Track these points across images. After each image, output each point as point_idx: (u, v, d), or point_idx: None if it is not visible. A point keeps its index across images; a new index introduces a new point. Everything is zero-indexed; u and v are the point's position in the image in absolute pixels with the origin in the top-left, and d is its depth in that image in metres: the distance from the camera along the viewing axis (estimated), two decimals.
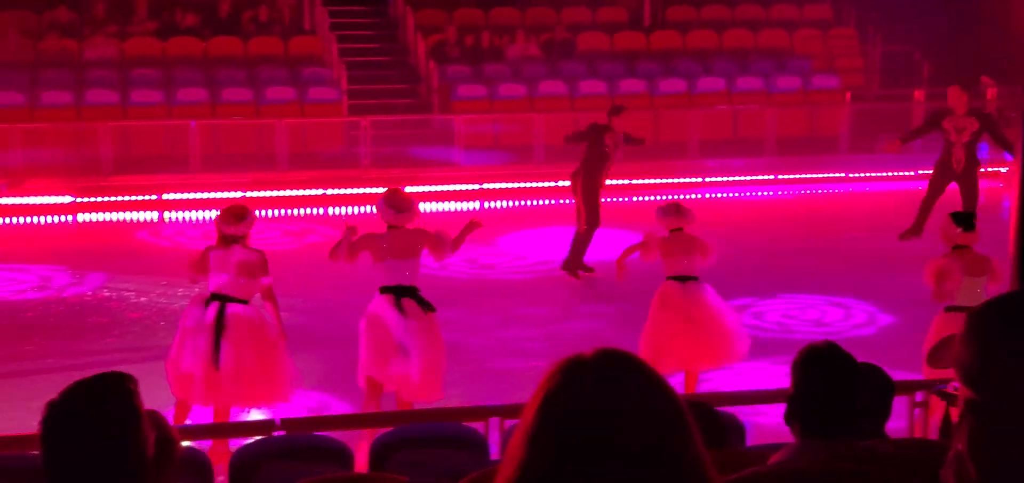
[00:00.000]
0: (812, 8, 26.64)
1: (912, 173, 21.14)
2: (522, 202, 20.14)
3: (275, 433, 6.57)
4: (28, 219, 18.67)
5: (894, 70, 25.73)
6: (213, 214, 18.68)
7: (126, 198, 19.09)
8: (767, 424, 8.67)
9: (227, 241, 8.96)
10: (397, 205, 9.10)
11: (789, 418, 3.96)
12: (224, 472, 6.08)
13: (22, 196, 18.83)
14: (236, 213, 9.09)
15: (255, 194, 19.55)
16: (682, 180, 21.02)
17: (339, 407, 10.10)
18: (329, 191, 19.87)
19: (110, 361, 11.09)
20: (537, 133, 21.90)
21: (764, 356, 10.94)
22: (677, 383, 9.23)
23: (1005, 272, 9.08)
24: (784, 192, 21.12)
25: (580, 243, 14.42)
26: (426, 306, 8.99)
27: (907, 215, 16.31)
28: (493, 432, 6.76)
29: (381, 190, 19.65)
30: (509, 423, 6.69)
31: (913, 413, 7.61)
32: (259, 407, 8.91)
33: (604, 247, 14.53)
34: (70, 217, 18.83)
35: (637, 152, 21.30)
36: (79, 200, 19.04)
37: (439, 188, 20.15)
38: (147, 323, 12.79)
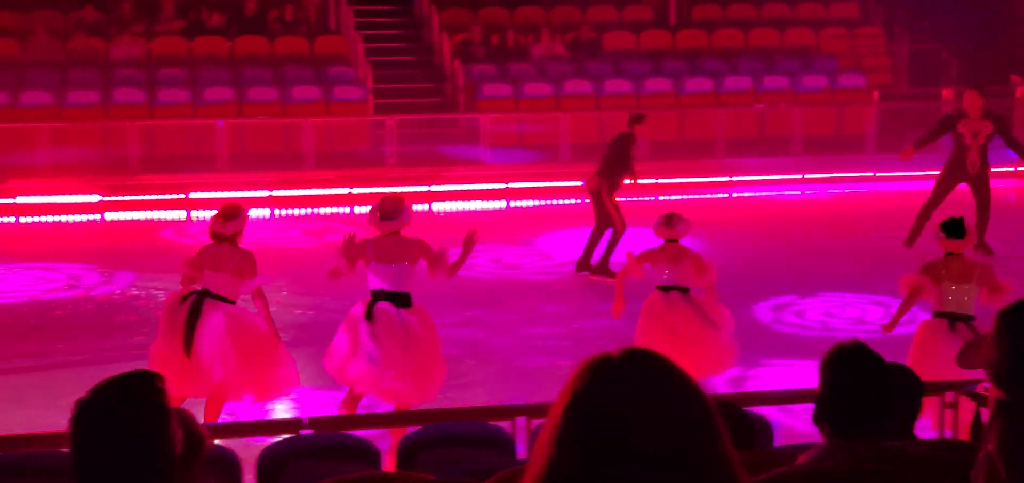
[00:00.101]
0: (839, 7, 26.53)
1: (940, 172, 21.04)
2: (547, 201, 20.13)
3: (303, 432, 6.58)
4: (56, 218, 18.77)
5: (921, 69, 25.61)
6: (253, 213, 18.95)
7: (153, 197, 19.16)
8: (798, 427, 8.64)
9: (218, 240, 9.08)
10: (383, 211, 9.11)
11: (817, 418, 3.95)
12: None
13: (50, 195, 18.93)
14: (227, 212, 9.20)
15: (281, 193, 19.62)
16: (708, 179, 20.97)
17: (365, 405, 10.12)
18: (355, 190, 19.90)
19: (138, 359, 11.13)
20: (563, 132, 21.89)
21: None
22: None
23: (1009, 281, 9.07)
24: (811, 192, 21.05)
25: (611, 245, 14.41)
26: (402, 305, 8.87)
27: (937, 214, 16.24)
28: (520, 431, 6.76)
29: (406, 189, 19.77)
30: (536, 422, 6.68)
31: (943, 414, 7.56)
32: (241, 400, 8.99)
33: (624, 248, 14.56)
34: (98, 216, 18.93)
35: (663, 151, 21.33)
36: (106, 199, 19.13)
37: (464, 187, 20.16)
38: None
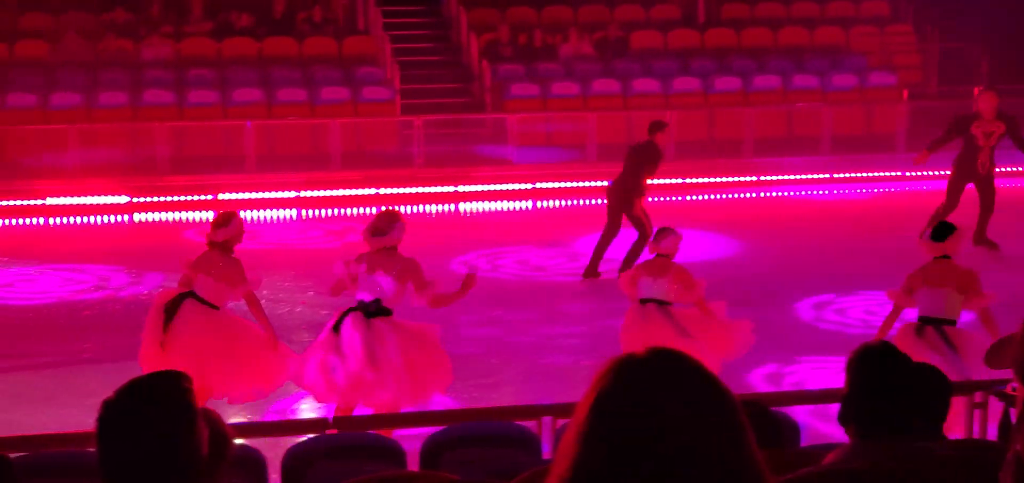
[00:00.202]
0: (869, 5, 26.42)
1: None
2: (575, 201, 20.11)
3: (328, 431, 6.59)
4: (85, 219, 18.87)
5: (952, 67, 25.47)
6: (268, 214, 19.07)
7: (182, 198, 19.24)
8: (826, 430, 8.60)
9: (211, 246, 9.31)
10: (375, 228, 9.16)
11: (844, 418, 3.92)
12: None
13: (79, 196, 19.03)
14: (219, 219, 9.46)
15: (308, 194, 19.67)
16: (736, 179, 20.91)
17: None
18: (382, 190, 19.94)
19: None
20: (590, 132, 21.86)
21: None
22: None
23: (992, 293, 9.00)
24: (840, 191, 20.96)
25: (636, 250, 14.36)
26: (371, 315, 8.87)
27: (966, 214, 16.19)
28: (545, 431, 6.75)
29: (433, 190, 19.82)
30: (561, 422, 6.67)
31: (972, 414, 7.50)
32: (221, 399, 9.10)
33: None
34: (126, 217, 19.01)
35: (692, 151, 21.28)
36: (135, 200, 19.21)
37: (492, 187, 20.16)
38: None
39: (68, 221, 18.78)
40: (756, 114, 22.72)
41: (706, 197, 20.13)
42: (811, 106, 23.30)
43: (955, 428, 7.23)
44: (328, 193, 19.81)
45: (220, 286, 9.20)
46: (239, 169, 20.37)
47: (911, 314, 9.24)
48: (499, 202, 19.95)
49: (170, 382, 2.97)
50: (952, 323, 8.90)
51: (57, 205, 18.94)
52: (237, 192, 19.56)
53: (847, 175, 21.34)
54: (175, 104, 22.00)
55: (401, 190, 20.03)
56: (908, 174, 21.26)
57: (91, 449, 6.01)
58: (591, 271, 14.46)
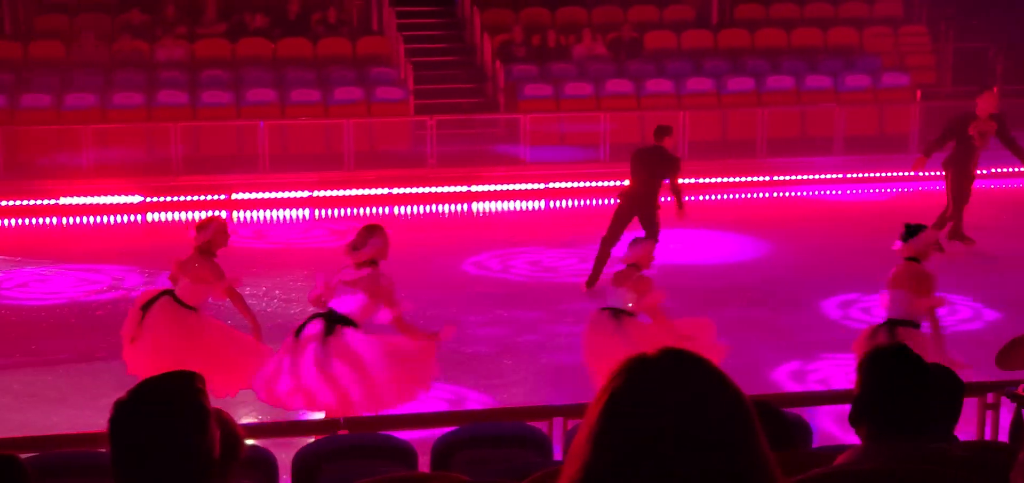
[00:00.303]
0: (883, 5, 26.36)
1: (983, 172, 20.86)
2: (588, 201, 20.10)
3: (339, 432, 6.60)
4: (99, 219, 18.91)
5: (966, 67, 25.39)
6: (282, 214, 19.10)
7: (196, 198, 19.27)
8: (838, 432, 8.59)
9: (195, 249, 9.67)
10: (351, 243, 9.25)
11: (855, 419, 3.91)
12: None
13: (94, 196, 19.08)
14: (200, 223, 9.89)
15: (322, 193, 19.70)
16: (750, 179, 20.88)
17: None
18: (395, 190, 19.96)
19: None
20: (603, 132, 21.85)
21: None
22: None
23: (937, 299, 9.02)
24: (853, 191, 20.92)
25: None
26: (334, 323, 8.90)
27: (983, 213, 16.29)
28: (557, 431, 6.75)
29: (446, 190, 19.82)
30: (573, 423, 6.67)
31: (983, 415, 7.48)
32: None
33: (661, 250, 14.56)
34: (140, 217, 19.06)
35: (705, 151, 21.26)
36: (149, 200, 19.26)
37: (505, 187, 20.16)
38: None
39: (82, 221, 18.83)
40: (769, 114, 22.67)
41: (719, 197, 20.11)
42: (824, 107, 23.25)
43: (966, 429, 7.22)
44: (341, 193, 19.84)
45: (196, 287, 9.55)
46: (252, 169, 20.40)
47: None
48: (512, 202, 19.95)
49: (183, 383, 2.97)
50: (912, 324, 8.87)
51: (71, 205, 18.99)
52: (250, 192, 19.60)
53: (860, 175, 21.29)
54: (189, 104, 22.05)
55: (414, 190, 20.04)
56: (921, 174, 21.23)
57: (103, 449, 6.03)
58: (593, 280, 14.29)
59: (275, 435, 7.63)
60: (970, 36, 25.61)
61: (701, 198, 19.52)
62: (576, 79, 23.53)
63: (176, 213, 19.11)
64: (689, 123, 21.88)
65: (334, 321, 8.89)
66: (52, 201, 18.99)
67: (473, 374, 11.18)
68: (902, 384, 3.89)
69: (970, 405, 7.17)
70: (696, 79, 23.77)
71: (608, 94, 23.25)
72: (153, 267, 15.48)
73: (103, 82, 22.19)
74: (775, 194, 20.64)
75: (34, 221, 18.75)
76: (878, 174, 21.25)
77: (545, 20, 25.27)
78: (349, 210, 19.35)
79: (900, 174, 21.30)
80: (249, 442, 4.46)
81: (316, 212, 19.31)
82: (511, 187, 20.18)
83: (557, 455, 6.37)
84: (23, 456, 4.42)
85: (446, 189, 20.09)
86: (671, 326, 9.77)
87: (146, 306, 9.62)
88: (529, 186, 20.25)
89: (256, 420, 9.34)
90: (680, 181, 14.26)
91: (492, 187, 20.14)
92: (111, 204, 19.08)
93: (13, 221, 18.66)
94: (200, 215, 18.89)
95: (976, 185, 16.20)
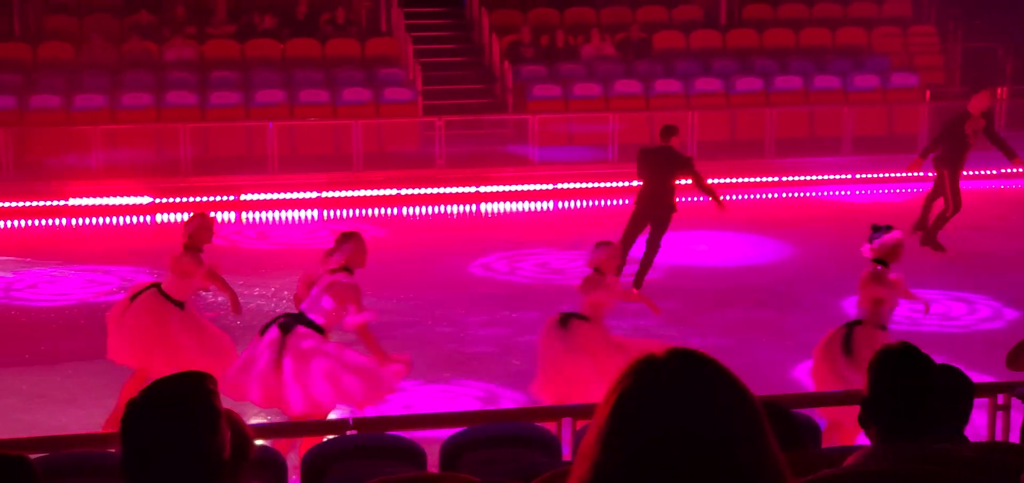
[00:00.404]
0: (891, 5, 26.33)
1: (993, 172, 20.85)
2: (596, 202, 20.09)
3: (348, 432, 6.60)
4: (108, 220, 18.94)
5: (975, 67, 25.35)
6: (290, 214, 19.13)
7: (204, 199, 19.28)
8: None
9: (182, 245, 10.02)
10: (327, 250, 9.26)
11: (864, 420, 3.90)
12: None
13: (103, 197, 19.11)
14: (187, 220, 10.23)
15: (331, 194, 19.71)
16: (758, 179, 20.86)
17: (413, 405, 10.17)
18: (404, 191, 19.97)
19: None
20: (612, 133, 21.85)
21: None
22: None
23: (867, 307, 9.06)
24: (862, 192, 20.90)
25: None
26: (293, 323, 8.95)
27: (994, 213, 16.31)
28: (566, 432, 6.74)
29: (454, 190, 19.81)
30: (581, 423, 6.67)
31: (994, 416, 7.47)
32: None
33: (668, 251, 14.57)
34: (149, 218, 19.08)
35: (713, 151, 21.24)
36: (158, 201, 19.28)
37: (513, 188, 20.17)
38: (223, 323, 12.91)
39: (91, 222, 18.86)
40: (778, 115, 22.66)
41: (727, 197, 20.06)
42: (832, 107, 23.22)
43: (976, 430, 7.21)
44: (350, 194, 19.86)
45: (180, 281, 9.85)
46: (261, 170, 20.43)
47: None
48: (520, 203, 19.94)
49: (194, 384, 2.96)
50: (877, 326, 8.85)
51: (81, 206, 19.03)
52: (259, 193, 19.62)
53: (869, 176, 21.26)
54: (198, 105, 22.08)
55: (422, 190, 20.05)
56: (929, 175, 21.20)
57: (112, 450, 6.04)
58: (639, 280, 14.18)
59: (284, 436, 7.64)
60: (979, 36, 25.57)
61: (709, 199, 19.49)
62: (584, 79, 23.53)
63: (185, 214, 19.04)
64: (698, 123, 21.87)
65: (295, 322, 8.93)
66: (61, 202, 19.02)
67: (477, 374, 11.20)
68: (910, 385, 3.88)
69: (980, 406, 7.17)
70: (704, 79, 23.76)
71: (617, 94, 23.25)
72: (162, 268, 15.45)
73: (112, 83, 22.23)
74: (784, 194, 20.62)
75: (43, 222, 18.78)
76: (887, 174, 21.21)
77: (553, 21, 25.28)
78: (358, 211, 19.37)
79: (909, 174, 21.28)
80: (258, 442, 4.46)
81: (325, 213, 19.33)
82: (519, 188, 20.18)
83: (566, 455, 6.37)
84: (32, 456, 4.43)
85: (454, 190, 20.10)
86: (619, 343, 9.47)
87: (135, 296, 9.96)
88: (537, 187, 20.25)
89: (265, 421, 9.35)
90: (707, 180, 14.21)
91: (500, 188, 20.15)
92: (120, 205, 19.11)
93: (22, 222, 18.69)
94: (213, 216, 18.97)
95: (985, 185, 16.25)
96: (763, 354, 11.65)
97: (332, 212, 19.34)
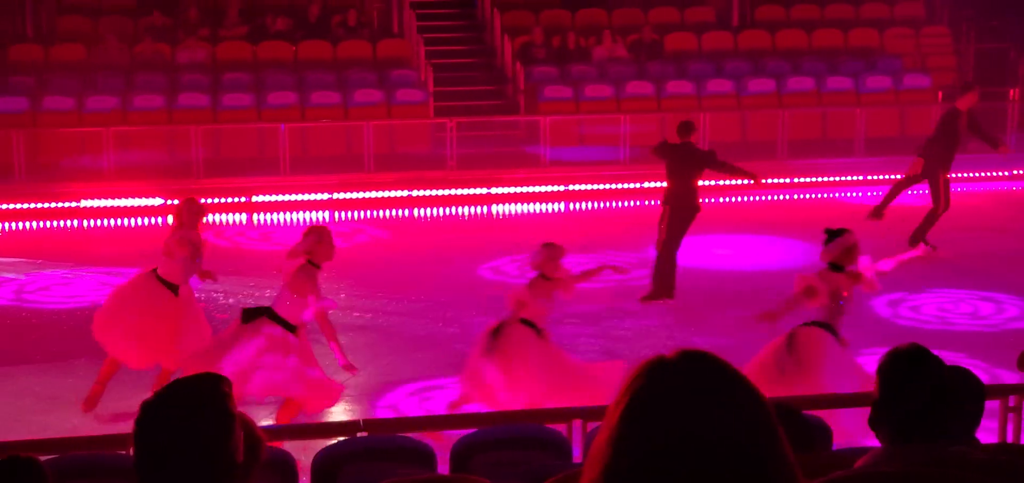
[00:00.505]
0: (904, 6, 26.27)
1: (1007, 173, 20.80)
2: (608, 204, 20.08)
3: (358, 434, 6.60)
4: (120, 222, 18.98)
5: (988, 68, 25.28)
6: (302, 216, 19.16)
7: (216, 200, 19.31)
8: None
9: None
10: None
11: (875, 422, 3.89)
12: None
13: (115, 199, 19.15)
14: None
15: (342, 195, 19.74)
16: (771, 180, 20.80)
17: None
18: (415, 193, 19.98)
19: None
20: (624, 134, 21.83)
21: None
22: None
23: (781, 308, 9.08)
24: (875, 193, 20.84)
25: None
26: (248, 317, 9.19)
27: (1007, 215, 16.31)
28: (576, 434, 6.74)
29: (466, 192, 19.81)
30: (592, 425, 6.66)
31: (1006, 417, 7.44)
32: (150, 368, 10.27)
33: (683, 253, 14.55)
34: (161, 219, 19.11)
35: (725, 152, 21.16)
36: (170, 203, 19.28)
37: (524, 189, 20.17)
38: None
39: (104, 223, 18.90)
40: (790, 116, 22.62)
41: (740, 199, 20.07)
42: (845, 108, 23.17)
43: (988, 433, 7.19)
44: (361, 195, 19.88)
45: (170, 263, 10.19)
46: (273, 171, 20.46)
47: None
48: (532, 204, 19.94)
49: (209, 385, 2.95)
50: (821, 325, 8.87)
51: (93, 208, 19.07)
52: (271, 194, 19.64)
53: (882, 177, 21.18)
54: (210, 107, 22.11)
55: (434, 192, 20.06)
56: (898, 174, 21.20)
57: (123, 451, 6.05)
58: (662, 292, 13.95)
59: (295, 437, 7.64)
60: (992, 37, 25.50)
61: (721, 200, 19.48)
62: (596, 81, 23.52)
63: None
64: (709, 125, 21.83)
65: (259, 314, 9.03)
66: (73, 203, 19.07)
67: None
68: (920, 387, 3.87)
69: (992, 408, 7.15)
70: (716, 81, 23.72)
71: (628, 96, 23.23)
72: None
73: (124, 85, 22.27)
74: (796, 196, 20.58)
75: (55, 224, 18.83)
76: (899, 176, 21.10)
77: (565, 22, 25.27)
78: (369, 212, 19.39)
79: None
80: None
81: (336, 214, 19.34)
82: (531, 189, 20.18)
83: (576, 457, 6.36)
84: (43, 458, 4.44)
85: (466, 191, 20.10)
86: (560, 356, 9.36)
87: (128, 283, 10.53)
88: (549, 189, 20.25)
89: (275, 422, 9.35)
90: (728, 163, 14.15)
91: (512, 189, 20.14)
92: (132, 207, 19.15)
93: (34, 223, 18.75)
94: (221, 218, 19.01)
95: (998, 186, 16.26)
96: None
97: (343, 213, 19.36)
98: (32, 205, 18.97)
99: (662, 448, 2.05)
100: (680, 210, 13.64)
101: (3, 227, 18.68)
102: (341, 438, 6.42)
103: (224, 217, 19.16)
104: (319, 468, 5.93)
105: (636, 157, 20.97)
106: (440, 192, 20.06)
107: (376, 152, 21.31)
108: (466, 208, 19.83)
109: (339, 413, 9.63)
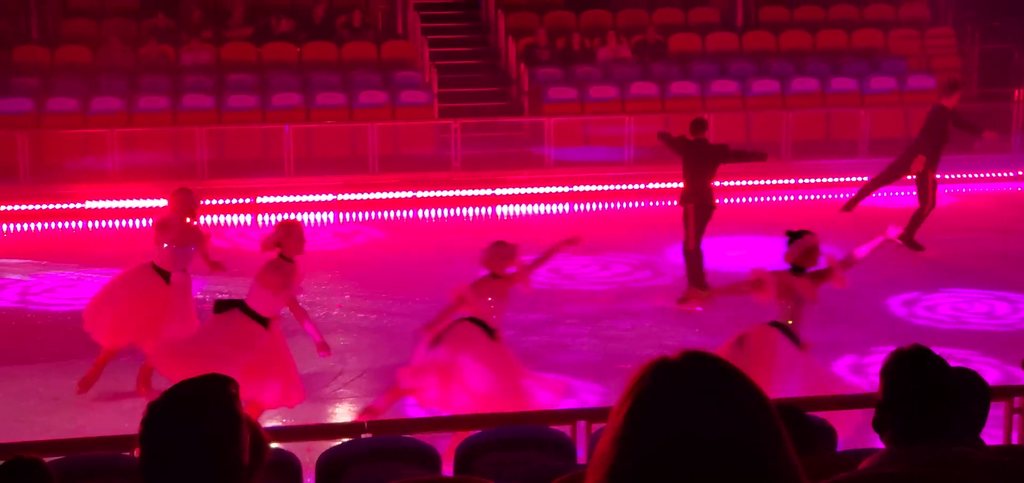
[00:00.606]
0: (908, 7, 26.26)
1: (1010, 174, 20.78)
2: (612, 204, 20.07)
3: (363, 435, 6.60)
4: (125, 223, 18.99)
5: (992, 69, 25.27)
6: (307, 217, 19.17)
7: (221, 201, 19.34)
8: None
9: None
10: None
11: (879, 424, 3.89)
12: None
13: (120, 200, 19.16)
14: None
15: (347, 196, 19.74)
16: (774, 181, 20.82)
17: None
18: (420, 194, 19.99)
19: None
20: (628, 135, 21.83)
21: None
22: None
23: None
24: (878, 194, 20.81)
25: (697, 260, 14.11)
26: (221, 308, 9.40)
27: (1012, 216, 16.31)
28: (580, 435, 6.74)
29: (470, 193, 19.82)
30: (596, 426, 6.66)
31: (1011, 419, 7.43)
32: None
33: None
34: None
35: None
36: None
37: (529, 190, 20.16)
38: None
39: (108, 225, 18.91)
40: (794, 117, 22.62)
41: (743, 200, 20.06)
42: (849, 109, 23.16)
43: (993, 434, 7.18)
44: (366, 196, 19.88)
45: (161, 252, 10.58)
46: (278, 173, 20.47)
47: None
48: (536, 205, 19.93)
49: (216, 387, 2.95)
50: (779, 326, 8.86)
51: (97, 209, 19.09)
52: (276, 195, 19.65)
53: None
54: (215, 108, 22.12)
55: (438, 193, 20.06)
56: (946, 176, 21.15)
57: (127, 453, 6.06)
58: (696, 287, 13.91)
59: (299, 439, 7.64)
60: (996, 38, 25.48)
61: (726, 201, 19.46)
62: (600, 82, 23.52)
63: (202, 217, 19.12)
64: (714, 126, 21.76)
65: (231, 306, 9.11)
66: (78, 205, 19.09)
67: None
68: (924, 388, 3.87)
69: (997, 409, 7.14)
70: (721, 82, 23.72)
71: (633, 97, 23.23)
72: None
73: (129, 86, 22.30)
74: (800, 197, 20.57)
75: (60, 225, 18.84)
76: (904, 177, 21.09)
77: (570, 23, 25.28)
78: (374, 213, 19.39)
79: (912, 177, 21.20)
80: (272, 446, 4.46)
81: (341, 215, 19.35)
82: (535, 190, 20.18)
83: (581, 458, 6.36)
84: (48, 459, 4.44)
85: (470, 192, 20.10)
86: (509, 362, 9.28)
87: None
88: (553, 190, 20.25)
89: (280, 423, 9.36)
90: (740, 151, 14.19)
91: (516, 190, 20.14)
92: (137, 208, 19.16)
93: (39, 225, 18.76)
94: (225, 219, 19.03)
95: (1003, 188, 16.26)
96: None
97: (348, 214, 19.36)
98: (37, 207, 18.99)
99: (666, 449, 2.06)
100: (699, 209, 13.65)
101: (8, 229, 18.70)
102: (346, 439, 6.43)
103: (228, 218, 19.17)
104: (324, 469, 5.93)
105: (640, 158, 20.98)
106: (444, 193, 20.06)
107: (380, 153, 21.32)
108: (470, 209, 19.83)
109: (343, 414, 9.63)
